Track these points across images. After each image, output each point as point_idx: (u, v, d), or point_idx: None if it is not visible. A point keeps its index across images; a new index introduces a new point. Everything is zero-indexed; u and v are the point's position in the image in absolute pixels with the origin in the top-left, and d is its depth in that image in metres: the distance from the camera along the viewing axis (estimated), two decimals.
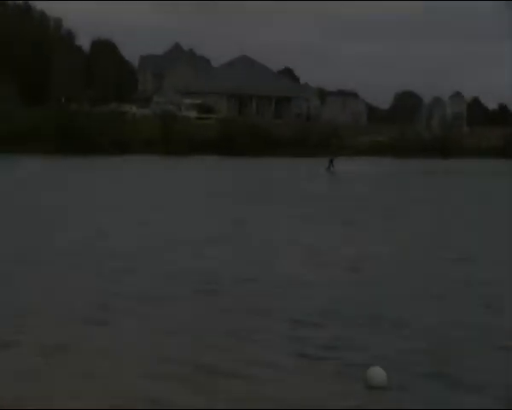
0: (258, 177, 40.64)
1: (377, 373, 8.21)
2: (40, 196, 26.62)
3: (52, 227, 19.34)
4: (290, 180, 38.09)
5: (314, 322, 10.83)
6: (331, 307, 11.74)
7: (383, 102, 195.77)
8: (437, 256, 16.64)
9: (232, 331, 10.24)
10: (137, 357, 9.06)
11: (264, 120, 78.42)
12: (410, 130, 78.51)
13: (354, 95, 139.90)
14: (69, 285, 12.77)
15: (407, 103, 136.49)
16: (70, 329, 10.19)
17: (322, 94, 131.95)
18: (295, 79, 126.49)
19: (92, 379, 8.19)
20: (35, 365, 8.62)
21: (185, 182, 35.65)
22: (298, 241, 18.13)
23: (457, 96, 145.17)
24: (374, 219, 23.08)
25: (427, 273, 14.71)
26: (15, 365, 8.61)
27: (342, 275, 14.30)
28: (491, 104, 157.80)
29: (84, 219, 21.00)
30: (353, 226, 21.42)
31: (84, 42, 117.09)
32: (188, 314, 11.10)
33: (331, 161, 45.93)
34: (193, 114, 78.34)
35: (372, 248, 17.32)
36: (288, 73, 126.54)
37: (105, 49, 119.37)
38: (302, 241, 18.19)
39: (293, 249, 16.99)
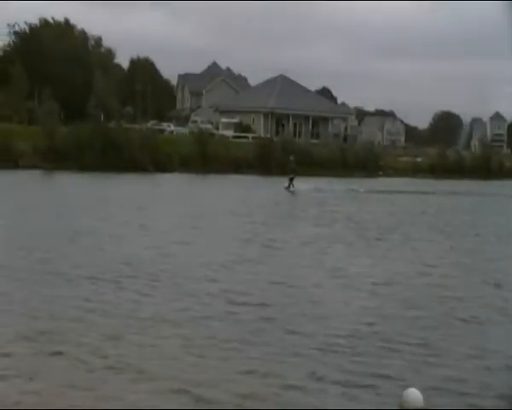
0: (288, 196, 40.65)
1: (413, 395, 8.17)
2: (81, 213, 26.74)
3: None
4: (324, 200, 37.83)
5: (348, 345, 10.68)
6: (368, 329, 11.57)
7: (422, 122, 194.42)
8: (479, 281, 16.36)
9: (263, 354, 10.13)
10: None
11: (301, 139, 78.25)
12: (449, 150, 77.49)
13: (392, 115, 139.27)
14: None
15: (446, 124, 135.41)
16: None
17: (360, 114, 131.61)
18: (333, 98, 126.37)
19: None
20: None
21: (225, 200, 35.60)
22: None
23: (498, 117, 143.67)
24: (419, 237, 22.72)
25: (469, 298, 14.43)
26: None
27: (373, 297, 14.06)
28: None
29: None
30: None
31: (122, 60, 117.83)
32: None
33: (291, 180, 43.31)
34: (230, 132, 78.51)
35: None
36: (325, 92, 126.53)
37: (143, 67, 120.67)
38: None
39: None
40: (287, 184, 43.13)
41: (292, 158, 45.09)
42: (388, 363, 9.93)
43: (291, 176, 43.30)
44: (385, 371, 9.54)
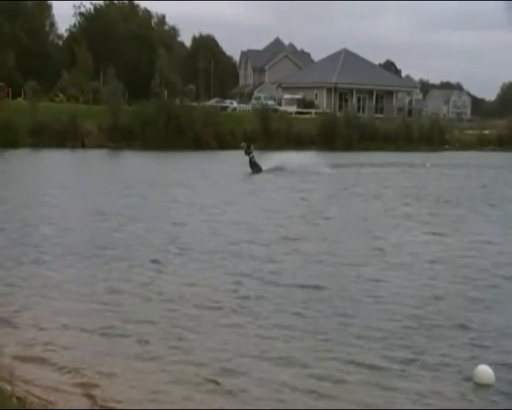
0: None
1: (485, 371, 8.29)
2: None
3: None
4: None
5: (420, 320, 10.59)
6: (440, 306, 11.46)
7: (489, 93, 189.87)
8: None
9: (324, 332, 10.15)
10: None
11: (364, 114, 77.46)
12: None
13: (458, 87, 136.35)
14: None
15: None
16: None
17: (425, 87, 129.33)
18: (397, 72, 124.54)
19: None
20: None
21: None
22: None
23: None
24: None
25: None
26: None
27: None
28: None
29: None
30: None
31: (186, 38, 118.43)
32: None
33: (250, 160, 36.30)
34: (293, 108, 78.23)
35: None
36: (389, 66, 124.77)
37: (206, 44, 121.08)
38: None
39: None
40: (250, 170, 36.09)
41: (243, 145, 37.82)
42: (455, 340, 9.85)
43: (250, 157, 36.39)
44: (454, 349, 9.46)
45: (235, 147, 50.52)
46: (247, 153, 36.56)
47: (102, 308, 11.14)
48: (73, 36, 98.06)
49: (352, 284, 12.88)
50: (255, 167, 36.05)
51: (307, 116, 71.71)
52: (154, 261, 14.36)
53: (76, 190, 27.52)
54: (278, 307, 11.33)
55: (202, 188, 28.62)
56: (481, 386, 8.22)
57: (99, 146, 50.56)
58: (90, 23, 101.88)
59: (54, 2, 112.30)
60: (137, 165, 41.59)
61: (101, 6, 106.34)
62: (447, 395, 8.06)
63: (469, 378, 8.40)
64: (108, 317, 10.70)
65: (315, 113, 74.31)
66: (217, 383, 8.31)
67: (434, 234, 18.43)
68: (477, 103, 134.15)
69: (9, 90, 65.45)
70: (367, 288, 12.57)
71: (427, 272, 14.03)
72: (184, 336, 9.90)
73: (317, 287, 12.50)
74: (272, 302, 11.56)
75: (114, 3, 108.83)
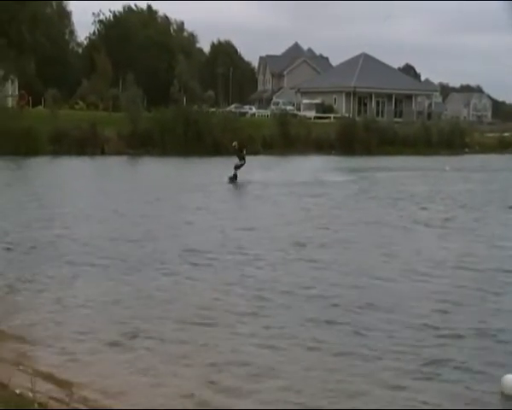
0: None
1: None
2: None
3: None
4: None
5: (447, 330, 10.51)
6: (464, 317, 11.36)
7: (510, 96, 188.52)
8: None
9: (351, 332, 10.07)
10: None
11: (383, 118, 77.23)
12: None
13: (479, 90, 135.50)
14: None
15: None
16: None
17: (445, 90, 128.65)
18: (416, 75, 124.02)
19: None
20: None
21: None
22: None
23: None
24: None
25: None
26: None
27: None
28: None
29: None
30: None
31: (204, 44, 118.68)
32: None
33: (236, 168, 32.18)
34: (312, 113, 78.18)
35: None
36: (408, 69, 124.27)
37: (224, 50, 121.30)
38: None
39: None
40: (231, 175, 32.20)
41: (234, 144, 33.87)
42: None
43: (239, 163, 32.35)
44: (477, 358, 9.38)
45: (255, 153, 50.60)
46: (240, 157, 31.82)
47: (127, 319, 11.16)
48: (93, 43, 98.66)
49: (365, 290, 12.79)
50: (233, 177, 31.38)
51: (326, 121, 71.62)
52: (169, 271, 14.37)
53: (95, 196, 27.66)
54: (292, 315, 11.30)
55: (220, 193, 28.65)
56: (510, 397, 8.04)
57: (118, 153, 50.76)
58: (109, 30, 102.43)
59: (73, 10, 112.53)
60: (156, 171, 41.68)
61: (120, 13, 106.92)
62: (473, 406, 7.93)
63: (495, 388, 8.24)
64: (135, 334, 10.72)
65: (334, 117, 74.21)
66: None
67: (449, 239, 18.31)
68: (497, 106, 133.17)
69: (30, 98, 65.97)
70: (381, 296, 12.45)
71: (444, 278, 13.88)
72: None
73: (329, 297, 12.38)
74: (287, 311, 11.54)
75: (133, 10, 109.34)
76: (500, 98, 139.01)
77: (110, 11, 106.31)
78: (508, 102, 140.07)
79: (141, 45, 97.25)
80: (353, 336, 10.18)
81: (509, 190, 31.65)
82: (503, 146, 67.22)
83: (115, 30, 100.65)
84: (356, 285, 13.12)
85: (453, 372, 8.81)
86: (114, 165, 44.85)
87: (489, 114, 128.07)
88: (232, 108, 76.49)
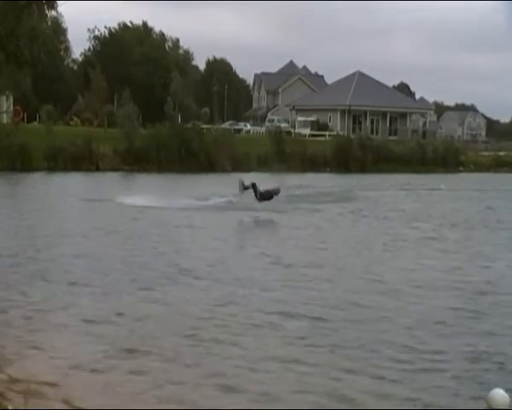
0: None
1: (499, 396, 8.13)
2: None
3: None
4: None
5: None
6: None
7: (504, 115, 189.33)
8: None
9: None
10: None
11: (378, 136, 77.39)
12: None
13: (473, 109, 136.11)
14: None
15: None
16: None
17: (440, 109, 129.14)
18: (411, 94, 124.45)
19: None
20: None
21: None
22: None
23: None
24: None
25: None
26: None
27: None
28: None
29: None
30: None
31: (199, 61, 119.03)
32: None
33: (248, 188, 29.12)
34: (307, 131, 78.31)
35: None
36: (403, 88, 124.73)
37: (220, 67, 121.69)
38: None
39: None
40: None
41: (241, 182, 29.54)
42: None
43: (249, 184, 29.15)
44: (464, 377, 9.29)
45: (250, 170, 50.54)
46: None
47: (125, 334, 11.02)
48: (88, 60, 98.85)
49: (347, 311, 12.67)
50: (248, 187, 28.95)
51: (321, 138, 71.71)
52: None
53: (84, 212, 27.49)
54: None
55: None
56: None
57: (113, 169, 50.66)
58: (104, 47, 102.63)
59: (69, 26, 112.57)
60: (151, 187, 41.48)
61: (115, 29, 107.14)
62: None
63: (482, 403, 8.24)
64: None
65: (329, 135, 74.34)
66: None
67: (436, 258, 18.26)
68: (492, 125, 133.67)
69: (25, 113, 65.95)
70: (365, 316, 12.33)
71: (427, 298, 13.77)
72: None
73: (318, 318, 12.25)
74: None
75: (128, 27, 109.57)
76: (494, 117, 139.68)
77: (106, 27, 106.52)
78: (502, 121, 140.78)
79: (136, 62, 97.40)
80: (337, 355, 10.09)
81: (498, 210, 31.63)
82: (498, 165, 67.36)
83: (111, 46, 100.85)
84: (343, 306, 12.96)
85: (436, 392, 8.75)
86: (108, 181, 44.64)
87: (483, 132, 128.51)
88: (227, 125, 76.62)
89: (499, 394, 8.16)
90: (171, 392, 8.72)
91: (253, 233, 24.54)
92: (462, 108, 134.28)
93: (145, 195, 31.08)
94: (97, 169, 51.44)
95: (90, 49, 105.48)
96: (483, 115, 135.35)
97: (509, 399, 8.11)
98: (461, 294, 14.05)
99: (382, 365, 9.71)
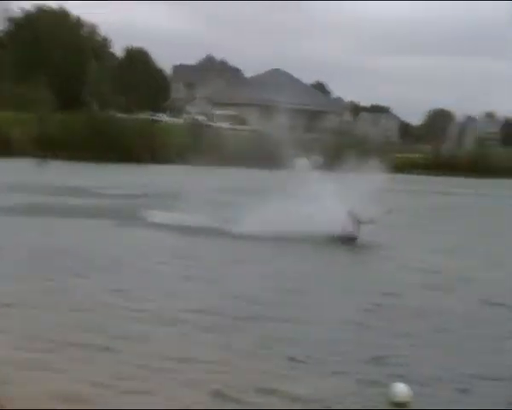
0: None
1: (401, 389, 8.36)
2: None
3: None
4: None
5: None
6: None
7: (417, 118, 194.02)
8: None
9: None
10: None
11: (295, 133, 77.78)
12: (442, 148, 77.91)
13: (387, 111, 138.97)
14: None
15: (438, 121, 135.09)
16: None
17: (356, 109, 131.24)
18: (326, 93, 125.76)
19: None
20: None
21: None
22: None
23: (491, 115, 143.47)
24: None
25: None
26: None
27: None
28: None
29: None
30: None
31: (118, 50, 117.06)
32: None
33: None
34: (225, 124, 78.07)
35: None
36: (319, 87, 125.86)
37: (138, 57, 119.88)
38: None
39: None
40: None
41: None
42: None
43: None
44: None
45: (167, 161, 49.88)
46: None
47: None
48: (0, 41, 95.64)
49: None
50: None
51: (240, 133, 71.62)
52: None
53: None
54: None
55: None
56: (398, 404, 8.17)
57: (26, 154, 49.04)
58: (19, 29, 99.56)
59: None
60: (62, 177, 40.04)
61: (30, 12, 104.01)
62: None
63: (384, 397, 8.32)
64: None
65: (247, 130, 74.33)
66: None
67: None
68: (405, 128, 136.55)
69: None
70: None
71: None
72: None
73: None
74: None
75: (45, 10, 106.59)
76: (408, 120, 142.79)
77: (19, 8, 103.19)
78: (414, 123, 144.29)
79: (52, 46, 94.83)
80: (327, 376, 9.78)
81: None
82: (412, 166, 69.27)
83: (26, 29, 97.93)
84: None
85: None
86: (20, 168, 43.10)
87: (396, 134, 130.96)
88: (145, 115, 75.54)
89: (399, 387, 8.37)
90: None
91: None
92: (377, 110, 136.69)
93: None
94: (9, 154, 49.72)
95: (2, 30, 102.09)
96: (397, 117, 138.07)
97: (408, 392, 8.29)
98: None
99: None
